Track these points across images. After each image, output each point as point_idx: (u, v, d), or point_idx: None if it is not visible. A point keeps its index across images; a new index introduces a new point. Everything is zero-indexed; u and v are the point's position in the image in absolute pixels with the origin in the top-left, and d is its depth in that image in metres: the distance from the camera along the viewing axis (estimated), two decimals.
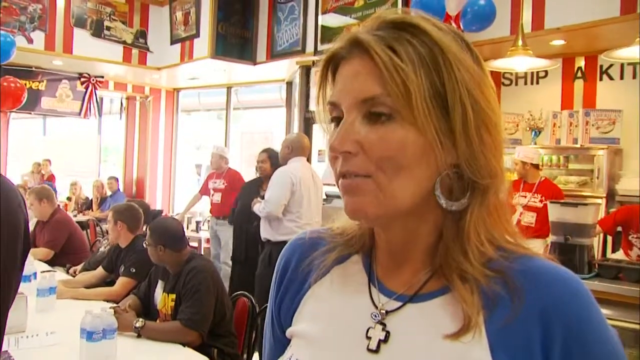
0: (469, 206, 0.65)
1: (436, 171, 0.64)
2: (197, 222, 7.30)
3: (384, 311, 0.68)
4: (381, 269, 0.72)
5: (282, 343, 0.77)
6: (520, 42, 3.78)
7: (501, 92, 5.75)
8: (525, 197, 4.61)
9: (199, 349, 2.51)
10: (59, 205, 4.98)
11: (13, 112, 7.49)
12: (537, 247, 4.11)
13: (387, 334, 0.66)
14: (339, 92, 0.66)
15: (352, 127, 0.63)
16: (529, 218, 4.54)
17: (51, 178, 9.11)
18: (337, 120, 0.67)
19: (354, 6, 5.42)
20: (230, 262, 5.65)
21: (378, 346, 0.66)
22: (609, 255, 4.29)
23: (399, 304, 0.67)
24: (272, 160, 4.81)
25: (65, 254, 4.59)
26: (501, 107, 5.17)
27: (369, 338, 0.67)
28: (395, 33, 0.63)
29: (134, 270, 3.32)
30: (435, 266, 0.67)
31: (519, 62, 3.86)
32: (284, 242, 3.31)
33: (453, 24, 3.76)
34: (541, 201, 4.46)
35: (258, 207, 4.23)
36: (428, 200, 0.65)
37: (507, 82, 5.72)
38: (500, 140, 0.66)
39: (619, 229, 4.07)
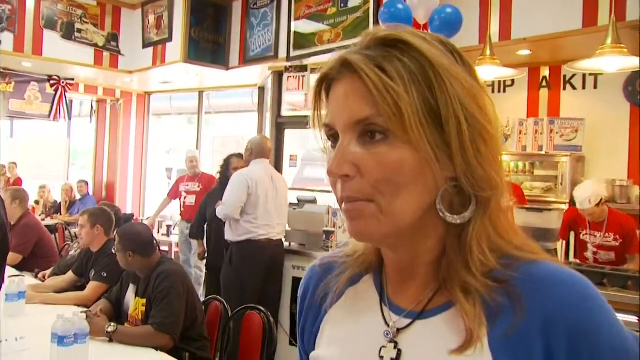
0: (471, 219, 0.65)
1: (435, 186, 0.64)
2: (168, 226, 7.26)
3: (395, 329, 0.68)
4: (391, 286, 0.73)
5: None
6: (488, 52, 3.89)
7: None
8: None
9: (171, 352, 2.53)
10: (28, 209, 4.89)
11: None
12: None
13: (399, 352, 0.67)
14: (332, 114, 0.66)
15: (347, 149, 0.63)
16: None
17: (18, 182, 8.92)
18: (333, 139, 0.67)
19: (326, 13, 5.48)
20: (202, 267, 5.65)
21: None
22: (571, 259, 4.42)
23: (409, 321, 0.68)
24: (224, 167, 4.94)
25: (33, 259, 4.51)
26: None
27: (381, 358, 0.68)
28: (385, 51, 0.63)
29: (105, 275, 3.31)
30: (440, 281, 0.67)
31: (487, 71, 3.97)
32: (243, 242, 3.36)
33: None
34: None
35: (217, 209, 4.30)
36: (430, 215, 0.65)
37: None
38: (499, 151, 0.66)
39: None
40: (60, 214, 8.11)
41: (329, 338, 0.76)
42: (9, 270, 3.94)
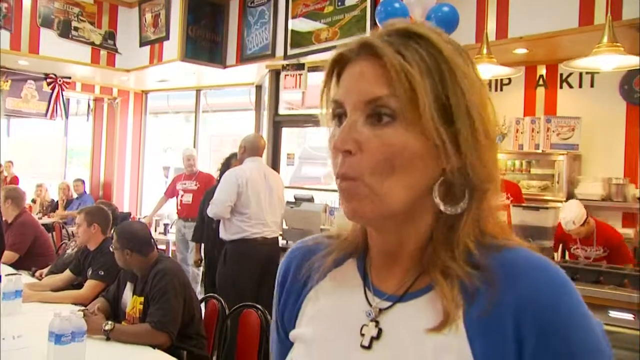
0: (465, 210, 0.67)
1: (433, 175, 0.66)
2: (165, 225, 7.25)
3: (377, 310, 0.71)
4: (374, 270, 0.75)
5: (287, 347, 0.80)
6: (485, 51, 3.90)
7: None
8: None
9: (169, 350, 2.53)
10: (24, 208, 4.88)
11: None
12: None
13: (380, 331, 0.69)
14: (344, 91, 0.68)
15: (354, 126, 0.66)
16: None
17: (14, 180, 8.91)
18: (339, 118, 0.69)
19: (323, 12, 5.48)
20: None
21: (370, 342, 0.70)
22: (567, 258, 4.44)
23: (390, 303, 0.71)
24: (224, 166, 4.95)
25: (30, 257, 4.51)
26: None
27: (362, 335, 0.70)
28: (404, 40, 0.66)
29: (102, 273, 3.31)
30: (423, 266, 0.70)
31: (484, 70, 3.97)
32: (237, 241, 3.36)
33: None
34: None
35: (208, 208, 4.31)
36: (423, 202, 0.68)
37: None
38: (497, 148, 0.70)
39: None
40: (56, 213, 8.10)
41: (310, 316, 0.78)
42: (6, 269, 3.95)
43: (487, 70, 3.99)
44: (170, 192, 6.60)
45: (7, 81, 7.31)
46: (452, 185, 0.67)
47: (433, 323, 0.65)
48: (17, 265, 4.38)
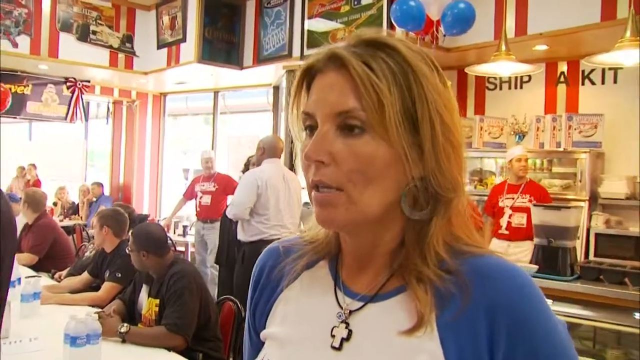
0: (432, 216, 0.69)
1: (402, 183, 0.68)
2: (184, 227, 7.28)
3: (347, 311, 0.72)
4: (346, 272, 0.76)
5: (258, 346, 0.81)
6: (503, 48, 3.84)
7: (485, 97, 5.81)
8: (512, 198, 4.60)
9: (184, 353, 2.52)
10: (45, 210, 4.92)
11: (1, 117, 7.41)
12: (528, 249, 4.14)
13: (350, 332, 0.71)
14: (314, 102, 0.69)
15: (326, 137, 0.67)
16: (519, 219, 4.53)
17: (37, 183, 9.03)
18: (310, 128, 0.70)
19: (340, 11, 5.45)
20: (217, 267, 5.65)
21: (341, 344, 0.70)
22: (592, 257, 4.35)
23: (361, 304, 0.72)
24: (245, 168, 4.93)
25: (49, 259, 4.54)
26: (485, 111, 5.23)
27: (333, 336, 0.71)
28: (371, 51, 0.67)
29: (119, 275, 3.32)
30: (394, 268, 0.71)
31: (502, 67, 3.91)
32: (255, 243, 3.33)
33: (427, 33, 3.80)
34: (530, 201, 4.42)
35: (227, 210, 4.29)
36: (394, 209, 0.69)
37: (491, 86, 5.77)
38: (463, 158, 0.71)
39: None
40: (79, 215, 8.19)
41: (281, 317, 0.79)
42: (26, 271, 3.98)
43: (506, 68, 3.93)
44: (189, 194, 6.62)
45: (27, 85, 7.41)
46: (419, 193, 0.69)
47: (404, 325, 0.67)
48: (36, 267, 4.42)
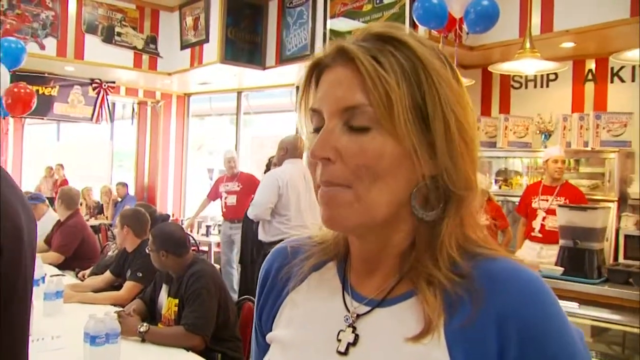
0: (443, 216, 0.67)
1: (412, 182, 0.65)
2: (208, 227, 7.30)
3: (355, 315, 0.70)
4: (354, 274, 0.74)
5: (265, 349, 0.79)
6: (527, 45, 3.75)
7: (511, 96, 5.71)
8: (547, 200, 4.48)
9: (203, 353, 2.51)
10: (78, 209, 4.94)
11: (27, 117, 7.55)
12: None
13: (356, 337, 0.68)
14: (320, 99, 0.67)
15: (332, 134, 0.65)
16: (553, 222, 4.34)
17: (64, 183, 9.18)
18: (318, 127, 0.68)
19: (362, 10, 5.42)
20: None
21: (347, 349, 0.68)
22: (621, 260, 4.23)
23: (369, 308, 0.69)
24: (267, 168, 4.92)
25: (76, 259, 4.58)
26: (510, 110, 5.14)
27: (339, 341, 0.69)
28: (380, 45, 0.65)
29: (140, 275, 3.33)
30: (403, 271, 0.69)
31: (526, 65, 3.83)
32: (276, 243, 3.30)
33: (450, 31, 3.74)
34: (565, 203, 4.32)
35: (248, 210, 4.29)
36: (403, 209, 0.67)
37: (516, 85, 5.68)
38: (477, 155, 0.68)
39: None
40: (104, 215, 8.31)
41: (288, 319, 0.77)
42: (51, 270, 4.03)
43: (530, 66, 3.84)
44: (213, 194, 6.63)
45: (54, 87, 7.53)
46: (428, 192, 0.67)
47: (412, 331, 0.64)
48: (63, 265, 4.47)
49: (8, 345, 0.83)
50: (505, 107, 5.71)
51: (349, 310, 0.71)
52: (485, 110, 5.82)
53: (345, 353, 0.68)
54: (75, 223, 4.75)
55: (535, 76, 5.40)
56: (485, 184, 4.90)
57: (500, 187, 5.48)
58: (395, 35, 0.65)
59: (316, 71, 0.70)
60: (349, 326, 0.69)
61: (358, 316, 0.70)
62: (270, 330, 0.79)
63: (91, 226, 6.00)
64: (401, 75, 0.63)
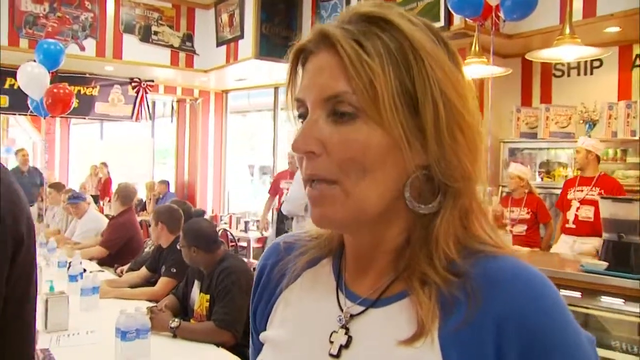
0: (439, 210, 0.63)
1: (404, 173, 0.61)
2: (246, 223, 7.32)
3: (348, 315, 0.66)
4: (349, 272, 0.70)
5: (259, 349, 0.76)
6: (567, 30, 3.60)
7: (552, 84, 5.52)
8: (582, 191, 4.38)
9: (233, 349, 2.51)
10: (131, 206, 5.01)
11: (69, 117, 7.76)
12: (594, 246, 3.92)
13: (349, 338, 0.65)
14: (304, 87, 0.64)
15: (315, 125, 0.61)
16: (587, 212, 4.31)
17: (108, 181, 9.41)
18: (303, 116, 0.64)
19: (396, 1, 5.33)
20: None
21: (339, 351, 0.65)
22: None
23: (363, 308, 0.66)
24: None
25: (120, 257, 4.61)
26: (552, 99, 4.96)
27: (331, 342, 0.66)
28: (365, 27, 0.60)
29: (174, 271, 3.36)
30: (399, 270, 0.65)
31: (566, 52, 3.68)
32: None
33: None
34: (599, 194, 4.21)
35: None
36: (396, 203, 0.63)
37: (558, 73, 5.49)
38: (477, 143, 0.63)
39: None
40: (147, 211, 8.46)
41: (281, 319, 0.74)
42: (90, 266, 4.12)
43: (570, 52, 3.69)
44: (274, 191, 6.60)
45: (95, 87, 7.71)
46: (424, 183, 0.62)
47: (405, 333, 0.60)
48: (106, 261, 4.55)
49: (16, 344, 0.84)
50: (546, 97, 5.53)
51: (342, 310, 0.67)
52: (526, 100, 5.65)
53: (337, 356, 0.65)
54: (125, 221, 4.81)
55: (579, 63, 5.20)
56: (529, 175, 4.77)
57: (542, 179, 5.32)
58: (382, 15, 0.61)
59: (302, 57, 0.66)
60: (342, 327, 0.66)
61: (351, 316, 0.66)
62: (265, 330, 0.76)
63: None
64: (387, 59, 0.59)
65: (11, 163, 11.24)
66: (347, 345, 0.65)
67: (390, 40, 0.59)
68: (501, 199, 4.83)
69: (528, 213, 4.63)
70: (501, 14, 3.66)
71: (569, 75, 5.43)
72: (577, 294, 3.11)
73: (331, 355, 0.65)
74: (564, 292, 3.14)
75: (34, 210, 6.37)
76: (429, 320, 0.59)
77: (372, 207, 0.61)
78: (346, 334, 0.65)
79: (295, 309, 0.73)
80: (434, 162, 0.61)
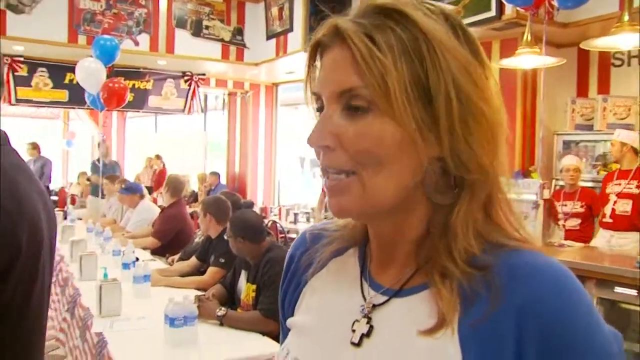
0: (457, 202, 0.63)
1: (420, 165, 0.62)
2: (296, 214, 7.38)
3: (370, 305, 0.68)
4: (373, 262, 0.71)
5: (286, 334, 0.79)
6: (626, 18, 3.44)
7: (610, 74, 5.30)
8: (620, 184, 4.27)
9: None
10: (181, 198, 5.12)
11: (124, 110, 7.99)
12: (633, 241, 3.78)
13: (371, 327, 0.66)
14: (319, 82, 0.65)
15: (330, 120, 0.62)
16: (624, 206, 4.19)
17: (162, 173, 9.66)
18: (320, 110, 0.65)
19: None
20: None
21: (360, 340, 0.66)
22: None
23: (385, 298, 0.67)
24: None
25: (171, 247, 4.73)
26: (610, 90, 4.76)
27: (353, 331, 0.67)
28: (379, 20, 0.61)
29: (223, 261, 3.43)
30: (420, 261, 0.65)
31: (624, 40, 3.52)
32: None
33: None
34: (638, 187, 4.12)
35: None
36: (415, 193, 0.63)
37: (617, 62, 5.26)
38: (497, 134, 0.62)
39: None
40: (198, 203, 8.65)
41: (307, 306, 0.76)
42: (143, 255, 4.25)
43: (628, 40, 3.52)
44: None
45: (149, 81, 7.93)
46: (440, 175, 0.63)
47: (426, 324, 0.61)
48: (159, 251, 4.68)
49: (24, 336, 0.85)
50: (604, 87, 5.32)
51: (365, 300, 0.68)
52: (582, 91, 5.45)
53: (358, 344, 0.66)
54: (176, 213, 4.92)
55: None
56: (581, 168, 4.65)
57: (598, 173, 5.13)
58: (396, 7, 0.60)
59: (320, 51, 0.66)
60: (364, 317, 0.67)
61: (374, 306, 0.67)
62: (292, 316, 0.78)
63: None
64: (400, 53, 0.59)
65: (73, 154, 11.66)
66: (368, 334, 0.66)
67: (403, 33, 0.59)
68: (554, 192, 4.70)
69: (582, 207, 4.50)
70: (555, 2, 3.54)
71: (629, 64, 5.20)
72: (633, 292, 3.00)
73: (352, 343, 0.67)
74: (619, 290, 3.04)
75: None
76: (450, 312, 0.60)
77: (388, 199, 0.62)
78: (368, 323, 0.66)
79: (320, 296, 0.75)
80: (447, 154, 0.61)
